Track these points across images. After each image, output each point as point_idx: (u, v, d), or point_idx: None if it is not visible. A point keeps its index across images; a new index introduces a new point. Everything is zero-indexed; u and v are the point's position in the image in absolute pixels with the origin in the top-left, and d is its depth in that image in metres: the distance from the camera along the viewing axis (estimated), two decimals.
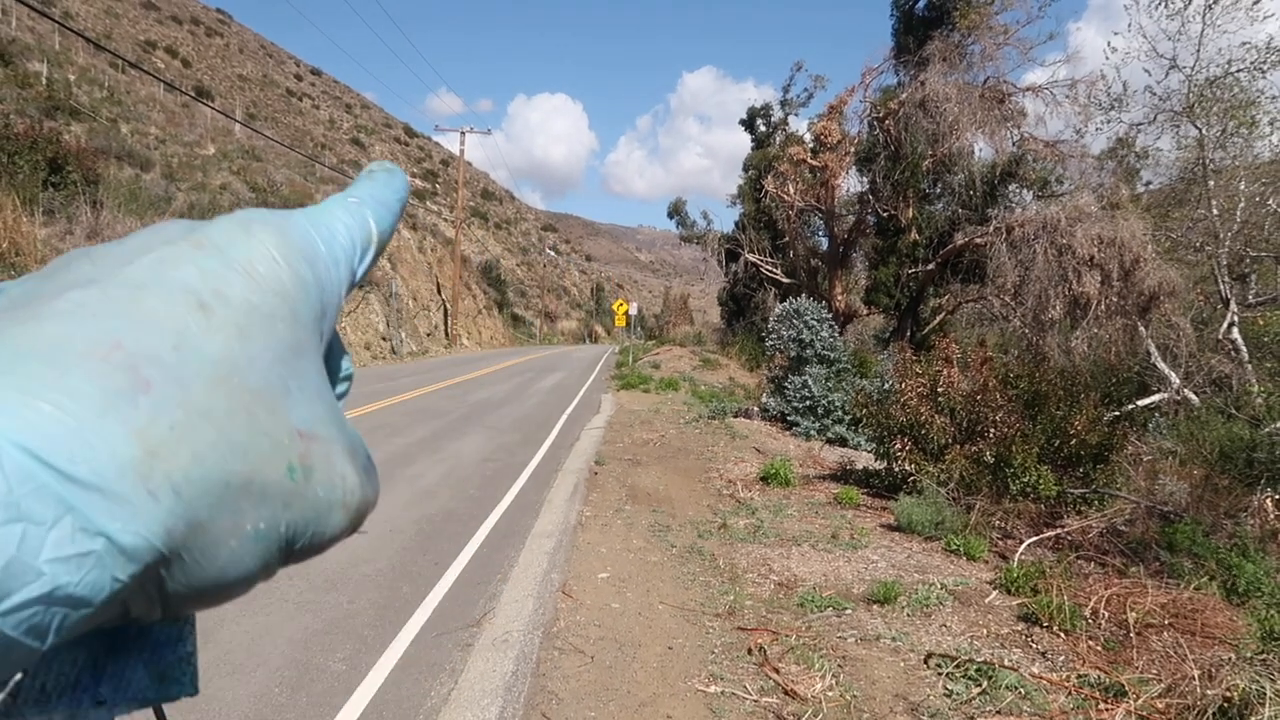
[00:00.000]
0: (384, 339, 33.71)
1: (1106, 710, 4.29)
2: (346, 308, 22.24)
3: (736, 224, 34.49)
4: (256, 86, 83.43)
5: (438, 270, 46.21)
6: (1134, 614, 5.22)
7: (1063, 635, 5.32)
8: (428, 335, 41.17)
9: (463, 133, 46.86)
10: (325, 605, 5.58)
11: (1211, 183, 18.35)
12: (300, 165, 40.93)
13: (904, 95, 25.72)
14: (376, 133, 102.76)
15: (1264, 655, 4.57)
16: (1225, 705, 4.21)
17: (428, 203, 73.77)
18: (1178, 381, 17.36)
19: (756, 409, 17.14)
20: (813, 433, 14.77)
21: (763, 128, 35.08)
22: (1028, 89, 25.53)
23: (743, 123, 35.63)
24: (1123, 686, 4.50)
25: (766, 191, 29.61)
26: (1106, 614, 5.37)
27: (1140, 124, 20.63)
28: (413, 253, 43.35)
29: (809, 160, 29.33)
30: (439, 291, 45.62)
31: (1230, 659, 4.61)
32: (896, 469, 10.08)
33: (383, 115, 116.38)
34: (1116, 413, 10.40)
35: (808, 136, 31.05)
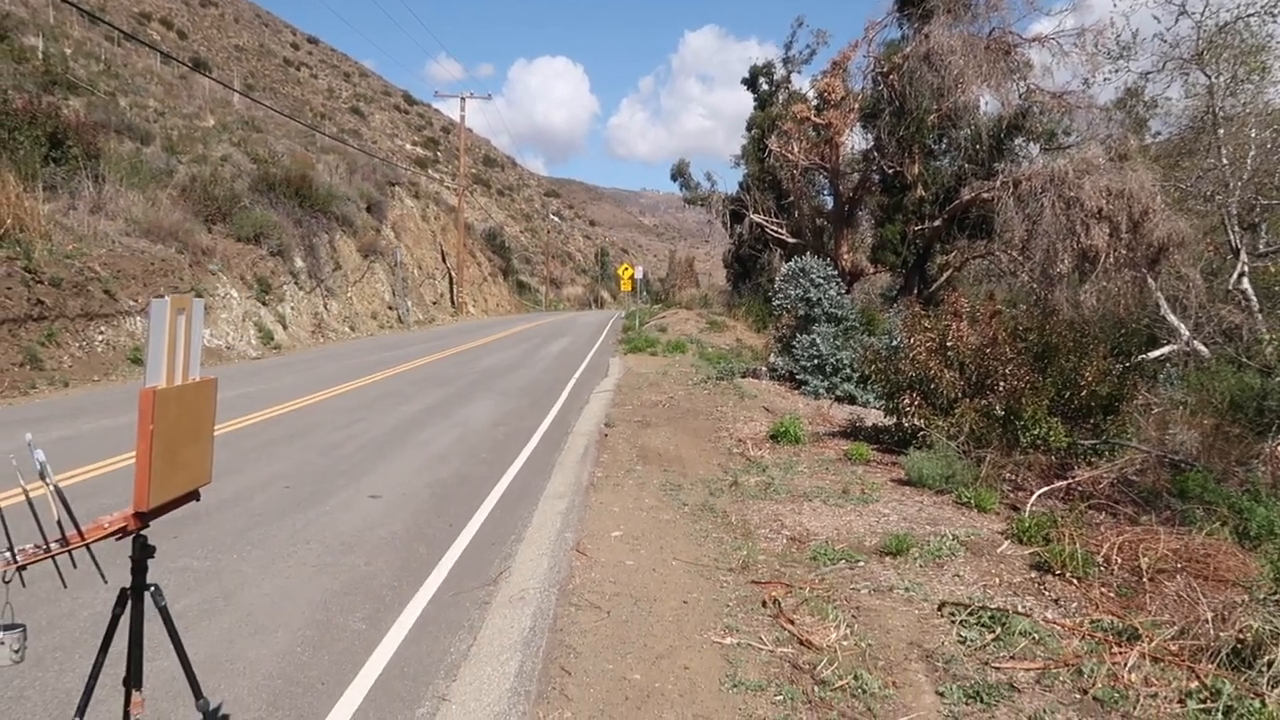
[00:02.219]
0: (390, 308, 33.71)
1: (1120, 653, 4.33)
2: (353, 278, 22.32)
3: (741, 185, 34.24)
4: (253, 57, 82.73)
5: (442, 238, 46.08)
6: (1146, 560, 5.24)
7: (1075, 582, 5.35)
8: (434, 303, 41.15)
9: (463, 98, 46.49)
10: (343, 567, 5.64)
11: (1221, 131, 18.17)
12: (301, 135, 40.68)
13: (908, 49, 25.36)
14: (375, 101, 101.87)
15: (1277, 596, 4.59)
16: (1239, 646, 4.24)
17: (430, 170, 73.35)
18: (1187, 333, 17.29)
19: (764, 369, 17.14)
20: (821, 391, 14.78)
21: (765, 86, 34.65)
22: (1034, 39, 25.09)
23: (745, 82, 35.20)
24: (1136, 630, 4.53)
25: (770, 151, 29.33)
26: (1120, 560, 5.40)
27: (1149, 73, 20.38)
28: (416, 221, 43.20)
29: (813, 118, 29.02)
30: (444, 259, 45.52)
31: (1243, 601, 4.64)
32: (906, 424, 10.10)
33: (381, 83, 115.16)
34: (1126, 364, 10.38)
35: (811, 94, 30.68)
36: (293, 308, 24.72)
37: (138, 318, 16.74)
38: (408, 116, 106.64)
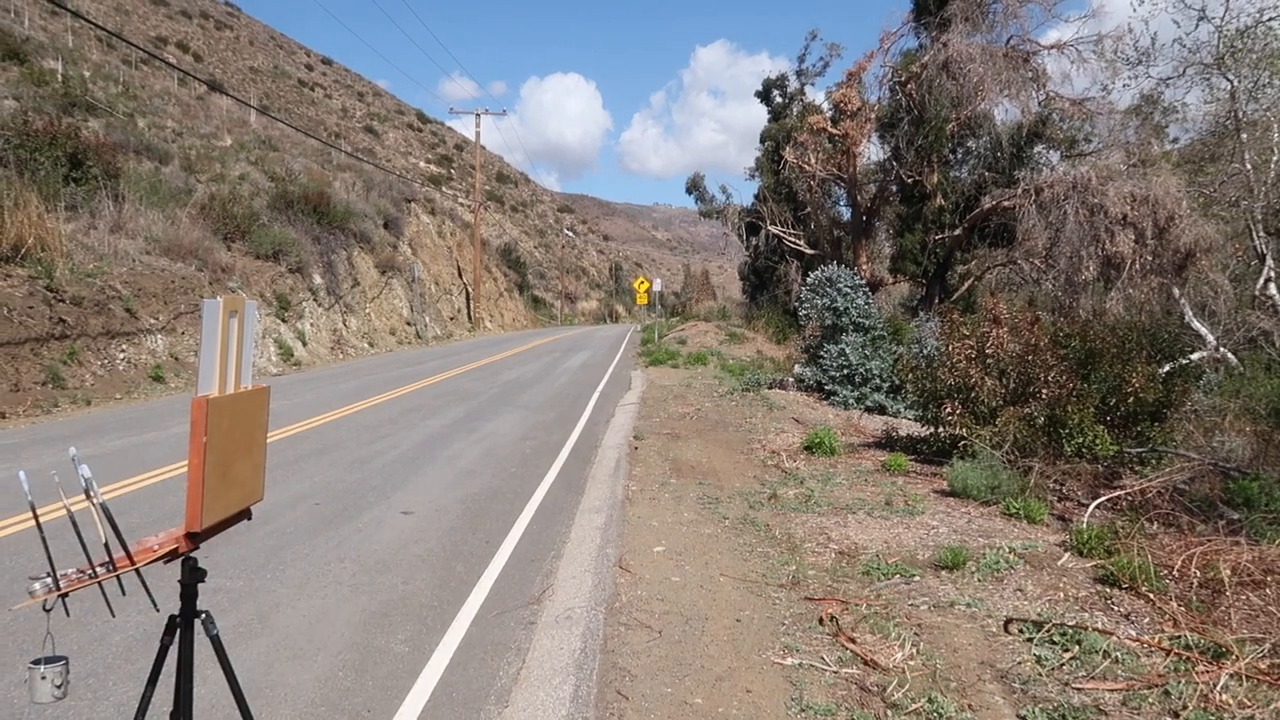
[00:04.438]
0: (408, 324, 33.63)
1: (1207, 672, 4.08)
2: (371, 294, 22.41)
3: (756, 197, 34.10)
4: (268, 78, 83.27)
5: (458, 254, 46.07)
6: (1226, 572, 4.98)
7: (1150, 597, 5.09)
8: (451, 319, 41.09)
9: (478, 115, 46.57)
10: (380, 587, 5.44)
11: (1244, 135, 17.91)
12: (317, 153, 40.78)
13: (926, 58, 25.21)
14: (389, 120, 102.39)
15: None
16: None
17: (444, 187, 73.52)
18: (1213, 340, 17.01)
19: (790, 380, 16.91)
20: (851, 401, 14.53)
21: (779, 99, 34.57)
22: (1052, 46, 24.92)
23: (758, 95, 35.15)
24: (1221, 647, 4.28)
25: (786, 162, 29.19)
26: (1198, 573, 5.13)
27: (1169, 78, 20.13)
28: (432, 237, 43.21)
29: (829, 129, 28.88)
30: (460, 275, 45.50)
31: None
32: (944, 434, 9.84)
33: (395, 102, 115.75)
34: (1170, 369, 10.10)
35: (826, 105, 30.54)
36: (312, 324, 24.65)
37: (159, 335, 16.67)
38: (421, 134, 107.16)
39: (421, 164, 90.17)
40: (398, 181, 45.54)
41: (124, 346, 15.65)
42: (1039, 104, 25.67)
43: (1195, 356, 16.44)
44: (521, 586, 5.60)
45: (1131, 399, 8.83)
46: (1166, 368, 11.07)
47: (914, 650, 4.46)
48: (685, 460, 9.76)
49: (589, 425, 12.58)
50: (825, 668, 4.28)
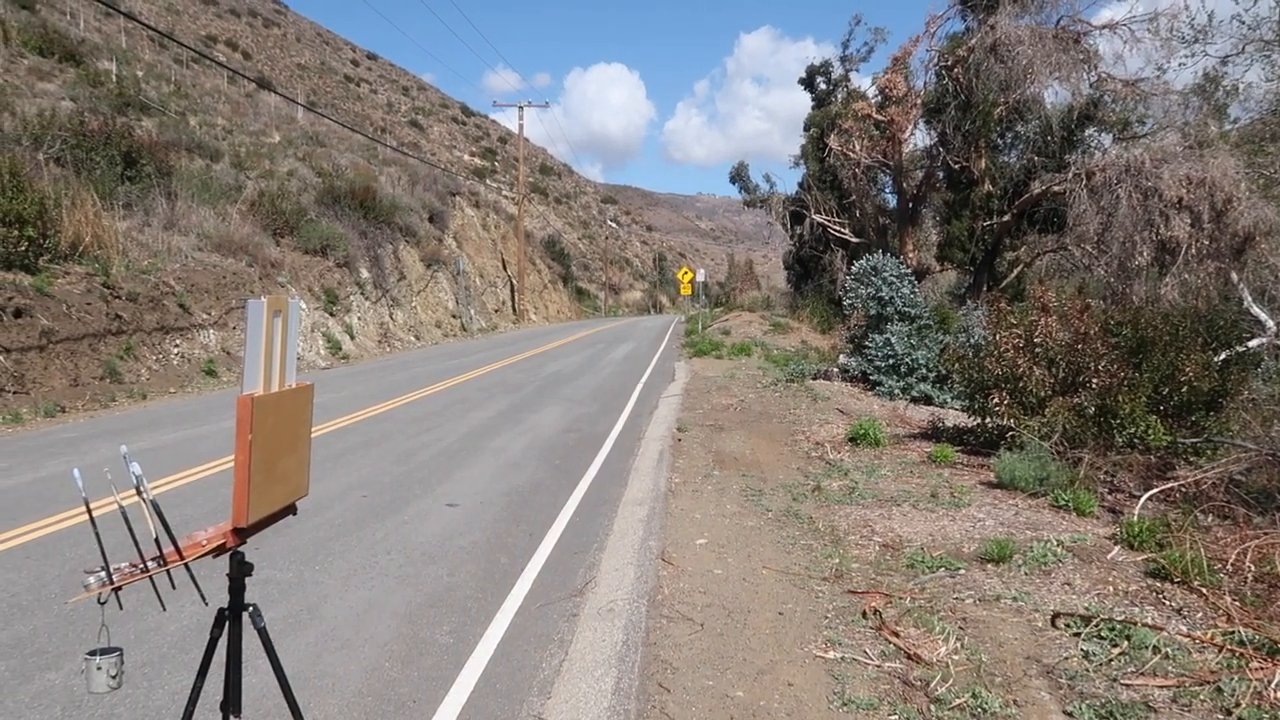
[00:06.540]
0: (454, 316, 33.96)
1: (1262, 669, 3.99)
2: (417, 288, 22.62)
3: (800, 185, 33.83)
4: (315, 74, 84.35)
5: (502, 246, 46.37)
6: None
7: (1201, 591, 4.99)
8: (496, 311, 41.40)
9: (521, 108, 46.79)
10: (426, 578, 5.53)
11: None
12: (363, 148, 41.26)
13: (973, 41, 24.76)
14: (434, 113, 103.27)
15: None
16: None
17: (488, 180, 73.98)
18: (1273, 326, 16.54)
19: (835, 370, 16.79)
20: (896, 391, 14.38)
21: (823, 86, 34.20)
22: (1104, 26, 24.30)
23: (802, 82, 34.81)
24: (1277, 643, 4.18)
25: (831, 150, 28.90)
26: (1253, 567, 5.02)
27: (1228, 56, 19.55)
28: (477, 230, 43.54)
29: (874, 115, 28.55)
30: (505, 268, 45.79)
31: None
32: (991, 425, 9.71)
33: (439, 96, 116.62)
34: (1228, 357, 9.85)
35: (871, 91, 30.17)
36: (359, 318, 25.00)
37: (211, 330, 17.03)
38: (465, 128, 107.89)
39: (466, 157, 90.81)
40: (442, 175, 45.94)
41: (178, 341, 16.02)
42: (1090, 86, 25.04)
43: (1254, 343, 15.99)
44: (564, 579, 5.65)
45: (1185, 388, 8.64)
46: (1223, 355, 10.80)
47: (958, 644, 4.42)
48: (728, 452, 9.75)
49: (632, 417, 12.62)
50: (868, 662, 4.25)
